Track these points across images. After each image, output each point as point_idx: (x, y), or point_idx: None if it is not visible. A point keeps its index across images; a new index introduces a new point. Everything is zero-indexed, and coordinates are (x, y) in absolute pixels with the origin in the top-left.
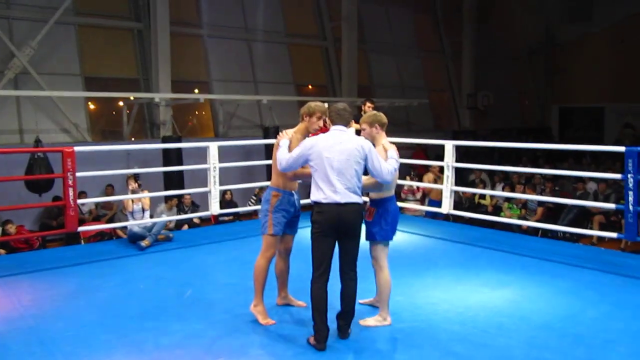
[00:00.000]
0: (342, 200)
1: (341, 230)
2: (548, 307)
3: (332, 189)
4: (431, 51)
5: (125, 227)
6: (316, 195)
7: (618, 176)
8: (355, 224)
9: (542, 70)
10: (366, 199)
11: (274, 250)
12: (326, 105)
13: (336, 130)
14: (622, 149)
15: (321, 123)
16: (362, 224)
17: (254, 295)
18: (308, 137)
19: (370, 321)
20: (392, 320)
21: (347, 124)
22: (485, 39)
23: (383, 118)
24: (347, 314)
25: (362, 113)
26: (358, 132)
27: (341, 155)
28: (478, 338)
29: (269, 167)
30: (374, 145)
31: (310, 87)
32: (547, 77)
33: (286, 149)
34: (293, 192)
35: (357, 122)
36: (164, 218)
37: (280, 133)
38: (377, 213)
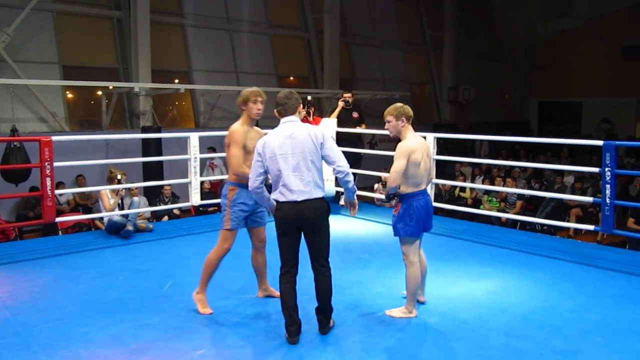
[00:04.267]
0: (300, 198)
1: (302, 227)
2: (527, 299)
3: (287, 188)
4: (413, 44)
5: (102, 219)
6: (274, 195)
7: (595, 169)
8: (316, 220)
9: (523, 65)
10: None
11: (229, 244)
12: (309, 97)
13: (285, 123)
14: (599, 142)
15: (260, 105)
16: (327, 217)
17: (200, 283)
18: (253, 125)
19: (396, 312)
20: (372, 312)
21: (294, 112)
22: (467, 33)
23: (409, 111)
24: (323, 310)
25: (342, 103)
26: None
27: (295, 149)
28: (458, 329)
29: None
30: (399, 140)
31: (292, 78)
32: (527, 72)
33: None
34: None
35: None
36: (148, 208)
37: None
38: (402, 208)
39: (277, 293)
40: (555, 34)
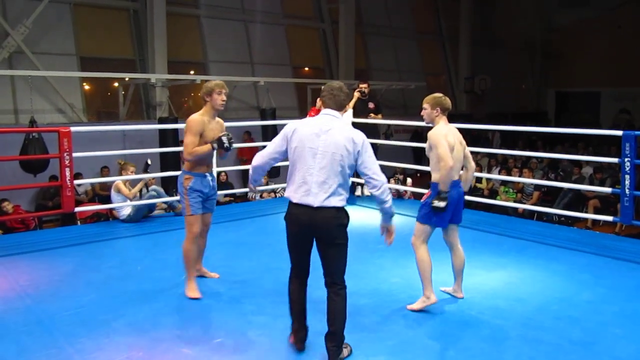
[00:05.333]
0: (316, 204)
1: (315, 236)
2: (543, 290)
3: (306, 188)
4: (429, 34)
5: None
6: (288, 191)
7: (615, 160)
8: (332, 232)
9: (540, 55)
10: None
11: (197, 229)
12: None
13: (326, 115)
14: (619, 132)
15: (224, 97)
16: (344, 230)
17: (186, 273)
18: (216, 116)
19: (416, 305)
20: (389, 301)
21: (341, 109)
22: (483, 23)
23: (447, 102)
24: (333, 335)
25: (358, 94)
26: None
27: (327, 148)
28: (474, 320)
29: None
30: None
31: (307, 69)
32: (544, 62)
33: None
34: (206, 174)
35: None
36: (167, 198)
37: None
38: (431, 196)
39: (212, 274)
40: (573, 23)
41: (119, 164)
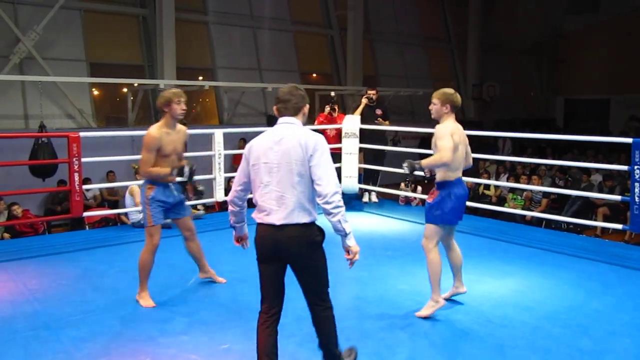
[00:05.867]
0: (279, 222)
1: (285, 259)
2: (552, 298)
3: (265, 207)
4: (437, 41)
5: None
6: (254, 213)
7: (625, 167)
8: (301, 253)
9: (548, 62)
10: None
11: (157, 239)
12: (333, 93)
13: (281, 125)
14: (629, 140)
15: (184, 106)
16: (316, 249)
17: (139, 284)
18: (175, 125)
19: (424, 311)
20: (395, 309)
21: (296, 113)
22: (491, 30)
23: (458, 99)
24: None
25: (366, 101)
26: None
27: (280, 160)
28: (482, 328)
29: None
30: (437, 125)
31: (315, 75)
32: (552, 69)
33: None
34: (169, 183)
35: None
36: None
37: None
38: (440, 196)
39: (219, 279)
40: (581, 29)
41: (133, 168)
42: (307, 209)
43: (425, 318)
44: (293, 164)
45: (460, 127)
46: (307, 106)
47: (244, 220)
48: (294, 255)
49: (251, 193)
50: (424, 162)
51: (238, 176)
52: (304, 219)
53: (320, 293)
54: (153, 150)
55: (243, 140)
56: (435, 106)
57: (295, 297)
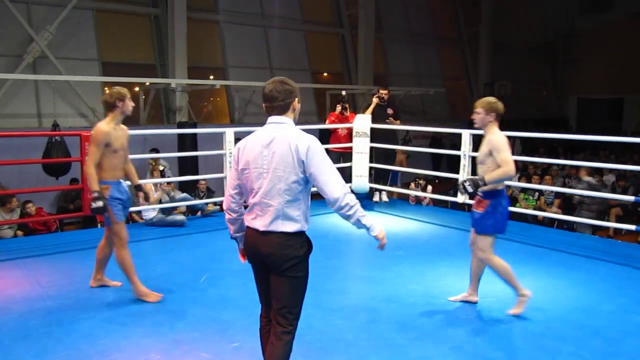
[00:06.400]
0: (262, 228)
1: (264, 263)
2: (563, 299)
3: (254, 211)
4: (448, 39)
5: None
6: (245, 213)
7: (637, 168)
8: (280, 262)
9: (561, 61)
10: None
11: (125, 234)
12: (344, 92)
13: (270, 125)
14: None
15: (132, 102)
16: (298, 261)
17: (131, 282)
18: (120, 123)
19: (517, 309)
20: (406, 309)
21: (285, 111)
22: (502, 28)
23: (501, 107)
24: None
25: (377, 100)
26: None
27: (269, 165)
28: (493, 328)
29: None
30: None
31: (326, 74)
32: (564, 68)
33: None
34: (120, 180)
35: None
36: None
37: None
38: (491, 205)
39: (112, 282)
40: (594, 28)
41: (150, 165)
42: (293, 218)
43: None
44: (281, 170)
45: (505, 136)
46: (297, 100)
47: (244, 229)
48: (272, 263)
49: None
50: (488, 177)
51: (230, 179)
52: (288, 228)
53: (287, 311)
54: (101, 146)
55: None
56: (479, 115)
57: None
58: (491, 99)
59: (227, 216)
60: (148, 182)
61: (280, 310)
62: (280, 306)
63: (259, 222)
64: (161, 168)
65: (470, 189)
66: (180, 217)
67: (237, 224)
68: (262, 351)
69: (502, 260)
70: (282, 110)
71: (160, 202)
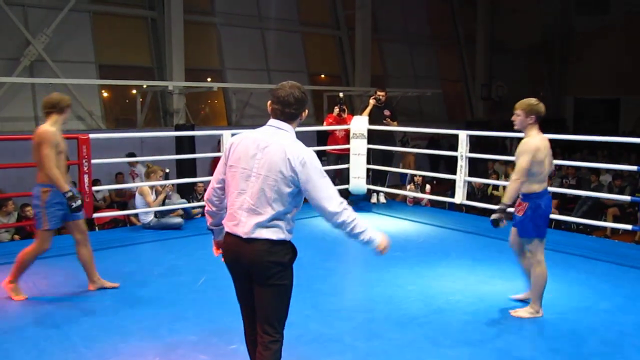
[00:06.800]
0: (245, 235)
1: (247, 273)
2: (561, 299)
3: (236, 216)
4: (445, 40)
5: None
6: (224, 219)
7: (634, 168)
8: (263, 270)
9: (557, 61)
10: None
11: (48, 245)
12: (341, 94)
13: (269, 128)
14: (638, 140)
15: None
16: (282, 269)
17: (12, 273)
18: (60, 128)
19: (522, 312)
20: (404, 310)
21: (292, 119)
22: (500, 29)
23: (543, 109)
24: None
25: (374, 101)
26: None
27: (260, 170)
28: (490, 328)
29: None
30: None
31: (323, 76)
32: (562, 68)
33: None
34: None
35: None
36: (183, 205)
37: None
38: (530, 208)
39: (110, 283)
40: (591, 29)
41: (147, 167)
42: (279, 226)
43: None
44: (272, 179)
45: (545, 137)
46: (306, 112)
47: (221, 224)
48: (256, 272)
49: None
50: (505, 198)
51: (216, 173)
52: (273, 235)
53: (273, 320)
54: (53, 146)
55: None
56: (519, 117)
57: (303, 298)
58: (532, 100)
59: (206, 207)
60: (145, 185)
61: (267, 319)
62: (266, 315)
63: (241, 228)
64: (167, 170)
65: (502, 224)
66: (178, 220)
67: (216, 217)
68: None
69: (546, 270)
70: (289, 118)
71: (163, 203)
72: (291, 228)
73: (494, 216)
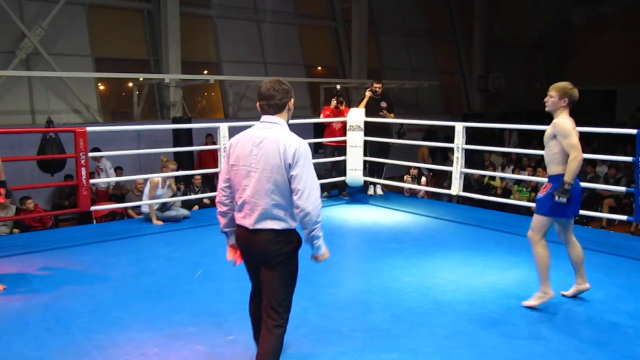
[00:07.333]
0: (251, 227)
1: (256, 260)
2: (556, 289)
3: (243, 209)
4: (442, 33)
5: (137, 207)
6: (235, 211)
7: (629, 159)
8: (270, 258)
9: (554, 53)
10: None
11: None
12: (338, 86)
13: (262, 124)
14: (633, 131)
15: None
16: (289, 256)
17: None
18: None
19: (533, 301)
20: (400, 301)
21: (280, 111)
22: (496, 21)
23: (576, 93)
24: None
25: (370, 93)
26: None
27: (257, 164)
28: (486, 318)
29: None
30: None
31: (320, 68)
32: (558, 60)
33: None
34: None
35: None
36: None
37: None
38: (553, 188)
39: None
40: (588, 20)
41: (161, 160)
42: (280, 217)
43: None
44: (269, 171)
45: (574, 122)
46: (292, 100)
47: (234, 224)
48: (263, 259)
49: None
50: (567, 177)
51: (222, 174)
52: (277, 225)
53: (277, 304)
54: None
55: (210, 137)
56: (552, 99)
57: (300, 289)
58: (567, 84)
59: (218, 209)
60: (164, 176)
61: (271, 303)
62: (271, 299)
63: (247, 220)
64: (172, 167)
65: (563, 199)
66: (183, 212)
67: (227, 217)
68: (252, 329)
69: (545, 249)
70: (277, 110)
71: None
72: (294, 219)
73: (556, 194)
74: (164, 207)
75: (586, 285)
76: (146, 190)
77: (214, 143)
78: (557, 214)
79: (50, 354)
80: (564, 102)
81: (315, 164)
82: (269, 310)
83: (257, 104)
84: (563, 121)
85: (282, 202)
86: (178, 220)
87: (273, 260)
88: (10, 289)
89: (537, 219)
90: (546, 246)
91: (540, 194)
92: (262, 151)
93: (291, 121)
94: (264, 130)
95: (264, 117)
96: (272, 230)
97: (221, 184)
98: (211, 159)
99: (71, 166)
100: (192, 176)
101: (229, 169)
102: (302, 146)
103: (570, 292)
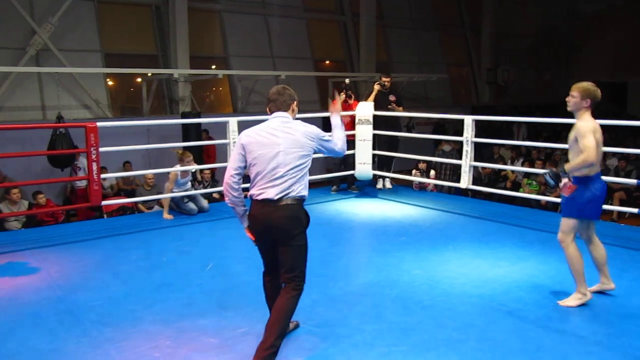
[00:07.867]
0: (275, 197)
1: (273, 237)
2: (566, 282)
3: (262, 187)
4: (450, 25)
5: (145, 202)
6: (252, 190)
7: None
8: (291, 226)
9: (564, 45)
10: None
11: None
12: (347, 80)
13: (278, 117)
14: None
15: None
16: (300, 229)
17: None
18: None
19: (570, 301)
20: (409, 293)
21: (287, 109)
22: (505, 13)
23: (599, 94)
24: (268, 338)
25: (378, 87)
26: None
27: (282, 145)
28: (496, 311)
29: None
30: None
31: (328, 62)
32: (568, 52)
33: None
34: None
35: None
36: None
37: None
38: (579, 190)
39: None
40: (597, 11)
41: (177, 153)
42: (300, 189)
43: (437, 301)
44: (295, 151)
45: (597, 123)
46: (296, 103)
47: (245, 205)
48: (283, 231)
49: (244, 182)
50: (568, 166)
51: (233, 161)
52: (298, 194)
53: (295, 275)
54: None
55: (205, 132)
56: (574, 99)
57: (310, 283)
58: (590, 84)
59: (227, 196)
60: (175, 170)
61: (289, 274)
62: (288, 270)
63: (271, 191)
64: (188, 158)
65: (551, 181)
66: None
67: (238, 201)
68: (266, 299)
69: (578, 250)
70: (285, 107)
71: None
72: (307, 190)
73: (546, 173)
74: (187, 197)
75: (611, 285)
76: (167, 183)
77: (210, 138)
78: (587, 215)
79: (64, 347)
80: (586, 103)
81: (324, 158)
82: (290, 280)
83: (268, 108)
84: (583, 124)
85: (303, 175)
86: (192, 214)
87: (292, 232)
88: (23, 282)
89: (567, 222)
90: (577, 248)
91: (564, 194)
92: (288, 133)
93: (299, 115)
94: (282, 120)
95: (275, 113)
96: (295, 198)
97: (231, 171)
98: (212, 153)
99: (82, 161)
100: (201, 170)
101: (250, 161)
102: (316, 129)
103: (593, 289)
